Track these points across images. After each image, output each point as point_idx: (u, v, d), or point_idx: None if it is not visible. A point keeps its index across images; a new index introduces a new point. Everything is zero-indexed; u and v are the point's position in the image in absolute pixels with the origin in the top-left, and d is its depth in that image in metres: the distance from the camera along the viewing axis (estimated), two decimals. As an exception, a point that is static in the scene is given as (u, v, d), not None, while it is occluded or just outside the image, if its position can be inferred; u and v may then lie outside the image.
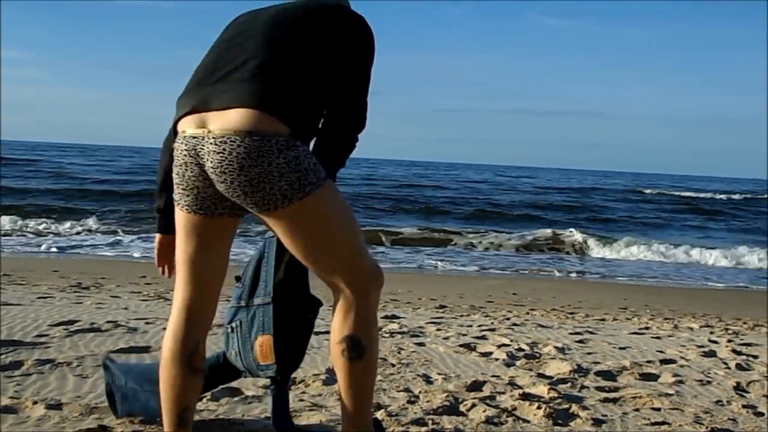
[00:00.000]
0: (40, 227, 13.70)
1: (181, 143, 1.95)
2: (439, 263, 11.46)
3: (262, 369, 2.24)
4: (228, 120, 1.86)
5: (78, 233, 13.36)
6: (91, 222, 14.63)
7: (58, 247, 11.35)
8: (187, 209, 2.01)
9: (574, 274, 11.16)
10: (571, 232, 15.50)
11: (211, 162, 1.88)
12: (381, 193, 25.63)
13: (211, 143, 1.87)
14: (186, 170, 1.96)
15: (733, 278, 11.71)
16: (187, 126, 1.95)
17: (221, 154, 1.86)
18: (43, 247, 11.28)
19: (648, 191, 37.73)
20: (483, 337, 4.65)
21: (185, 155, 1.94)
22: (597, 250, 13.84)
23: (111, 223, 14.73)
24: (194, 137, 1.91)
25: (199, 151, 1.90)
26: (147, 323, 4.56)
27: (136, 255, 10.91)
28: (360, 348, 2.03)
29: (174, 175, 2.02)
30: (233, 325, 2.28)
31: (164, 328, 4.50)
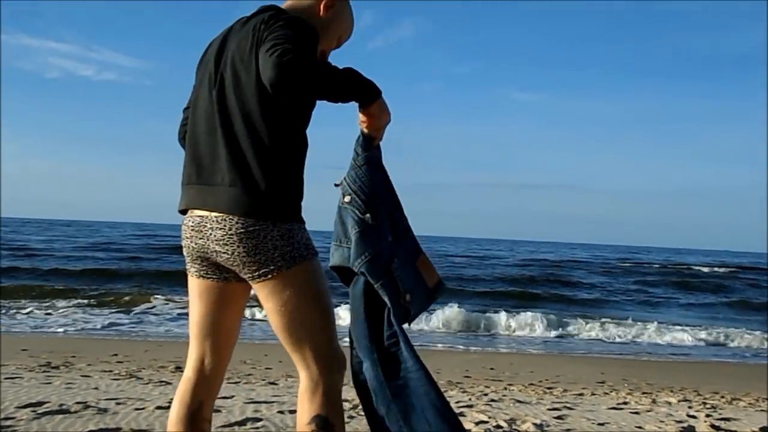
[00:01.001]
0: (9, 305, 13.44)
1: (188, 220, 2.18)
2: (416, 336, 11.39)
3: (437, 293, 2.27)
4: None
5: (48, 312, 13.11)
6: (63, 300, 14.40)
7: (27, 325, 11.13)
8: (197, 275, 2.23)
9: (548, 349, 11.13)
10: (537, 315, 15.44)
11: (215, 236, 2.09)
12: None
13: (213, 221, 2.10)
14: (191, 242, 2.17)
15: (710, 351, 11.74)
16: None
17: (222, 230, 2.08)
18: (12, 326, 11.05)
19: (625, 264, 38.01)
20: (461, 414, 4.60)
21: (191, 230, 2.16)
22: (572, 329, 13.82)
23: (81, 301, 14.51)
24: (200, 216, 2.14)
25: (203, 228, 2.13)
26: (118, 404, 4.46)
27: (106, 332, 10.72)
28: (329, 427, 2.05)
29: (184, 249, 2.23)
30: (393, 266, 2.17)
31: (135, 409, 4.41)
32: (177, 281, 18.15)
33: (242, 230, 2.04)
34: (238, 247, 2.05)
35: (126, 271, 20.42)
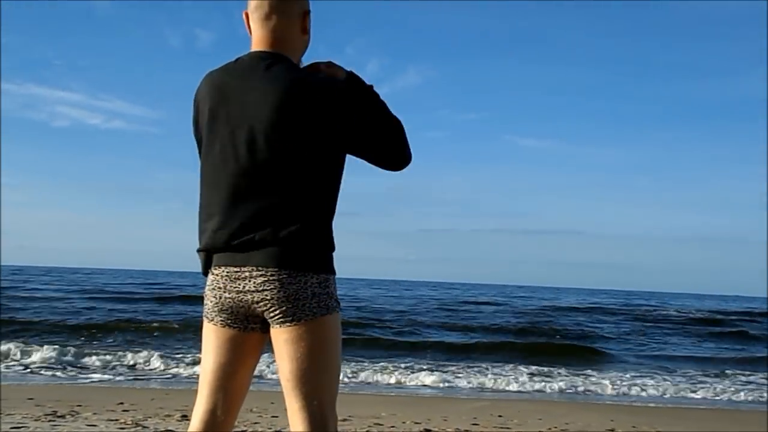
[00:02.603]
0: (14, 352, 13.39)
1: (222, 270, 2.18)
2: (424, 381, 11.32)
3: None
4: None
5: (54, 361, 13.06)
6: (71, 348, 14.36)
7: (33, 373, 11.10)
8: (221, 324, 2.22)
9: (556, 396, 11.03)
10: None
11: (254, 282, 2.12)
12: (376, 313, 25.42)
13: (253, 269, 2.12)
14: (224, 292, 2.17)
15: (722, 399, 11.60)
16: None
17: (263, 276, 2.11)
18: (18, 373, 11.02)
19: (635, 309, 37.68)
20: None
21: (225, 279, 2.17)
22: (580, 375, 13.70)
23: (90, 348, 14.47)
24: (237, 267, 2.15)
25: (241, 276, 2.14)
26: (124, 452, 4.44)
27: (113, 380, 10.68)
28: None
29: (209, 296, 2.23)
30: None
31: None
32: (181, 331, 18.08)
33: (284, 276, 2.09)
34: (278, 292, 2.09)
35: (131, 319, 20.36)
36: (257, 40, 2.29)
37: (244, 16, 2.33)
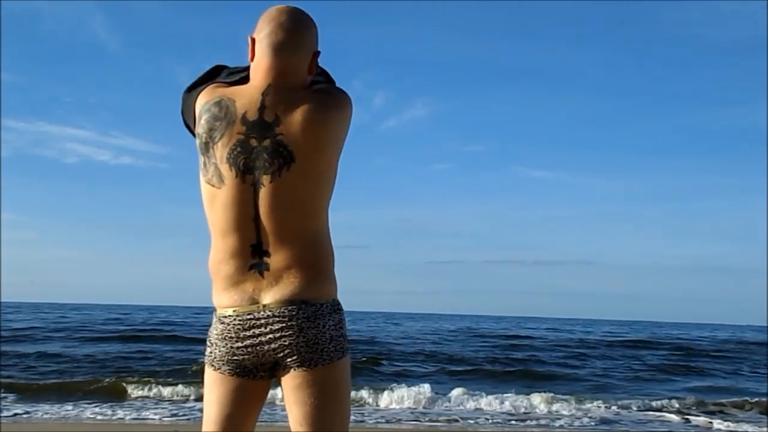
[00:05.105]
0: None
1: (234, 319, 2.07)
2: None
3: None
4: (282, 294, 2.03)
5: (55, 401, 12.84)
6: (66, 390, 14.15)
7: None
8: (229, 372, 2.13)
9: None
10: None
11: (271, 328, 2.02)
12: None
13: (269, 313, 2.03)
14: (236, 342, 2.07)
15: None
16: (236, 304, 2.07)
17: (281, 321, 2.02)
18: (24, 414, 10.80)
19: (645, 340, 37.14)
20: None
21: (238, 328, 2.06)
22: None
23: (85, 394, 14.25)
24: (249, 313, 2.05)
25: (254, 324, 2.04)
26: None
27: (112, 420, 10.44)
28: None
29: (219, 346, 2.11)
30: None
31: None
32: (184, 370, 17.81)
33: (303, 318, 2.02)
34: (298, 337, 2.02)
35: (139, 357, 20.12)
36: (264, 69, 2.17)
37: (249, 40, 2.20)
